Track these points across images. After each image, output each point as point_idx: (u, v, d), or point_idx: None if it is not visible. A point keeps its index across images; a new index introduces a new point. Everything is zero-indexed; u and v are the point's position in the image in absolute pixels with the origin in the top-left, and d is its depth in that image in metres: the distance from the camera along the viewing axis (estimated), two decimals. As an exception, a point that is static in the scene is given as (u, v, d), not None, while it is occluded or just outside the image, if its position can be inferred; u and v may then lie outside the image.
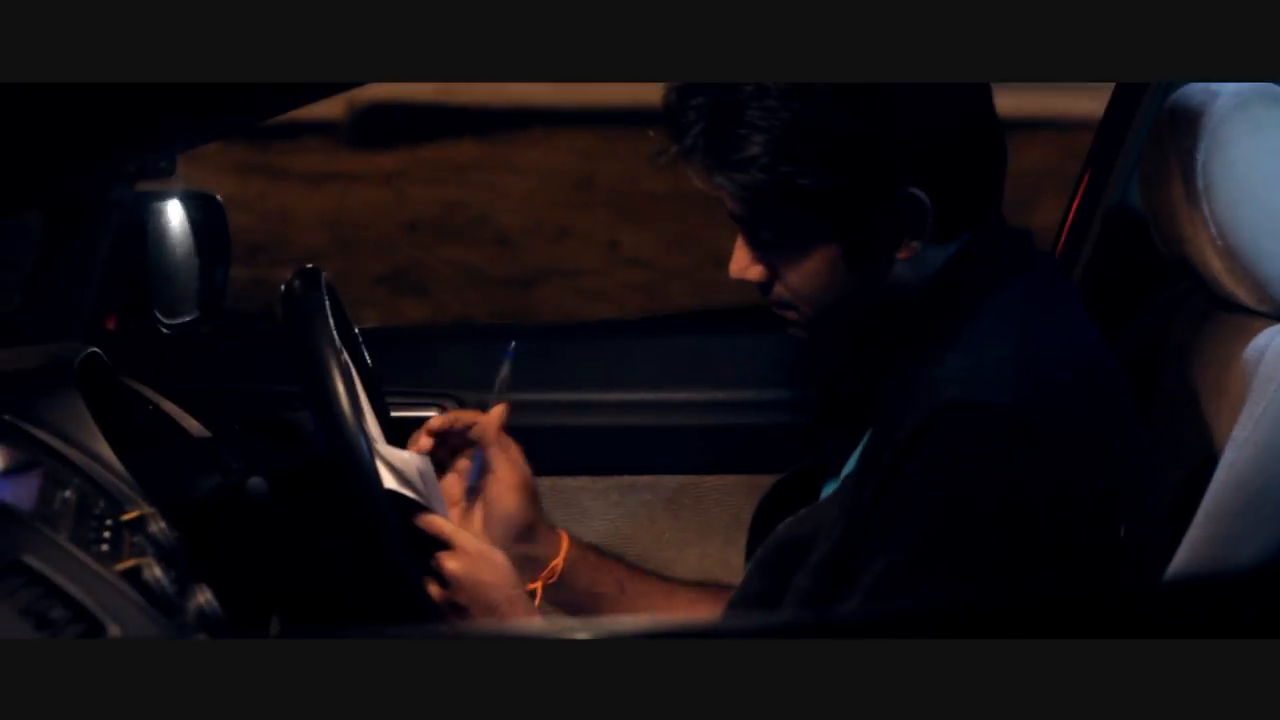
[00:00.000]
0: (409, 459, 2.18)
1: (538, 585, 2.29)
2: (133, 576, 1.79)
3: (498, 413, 2.26)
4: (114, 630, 1.68)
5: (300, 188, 8.73)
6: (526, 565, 2.28)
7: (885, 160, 1.93)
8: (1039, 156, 7.24)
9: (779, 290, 2.04)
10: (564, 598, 2.32)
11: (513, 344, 2.30)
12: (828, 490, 2.15)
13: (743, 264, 2.05)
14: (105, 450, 2.05)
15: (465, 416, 2.29)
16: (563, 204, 8.58)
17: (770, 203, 1.96)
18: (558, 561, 2.29)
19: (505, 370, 2.29)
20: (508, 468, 2.25)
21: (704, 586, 2.37)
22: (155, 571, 1.79)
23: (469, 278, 7.73)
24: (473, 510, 2.28)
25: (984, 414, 1.86)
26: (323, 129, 9.15)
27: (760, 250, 2.03)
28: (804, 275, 2.00)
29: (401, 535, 2.06)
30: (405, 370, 2.88)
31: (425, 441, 2.26)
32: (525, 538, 2.27)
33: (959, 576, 1.84)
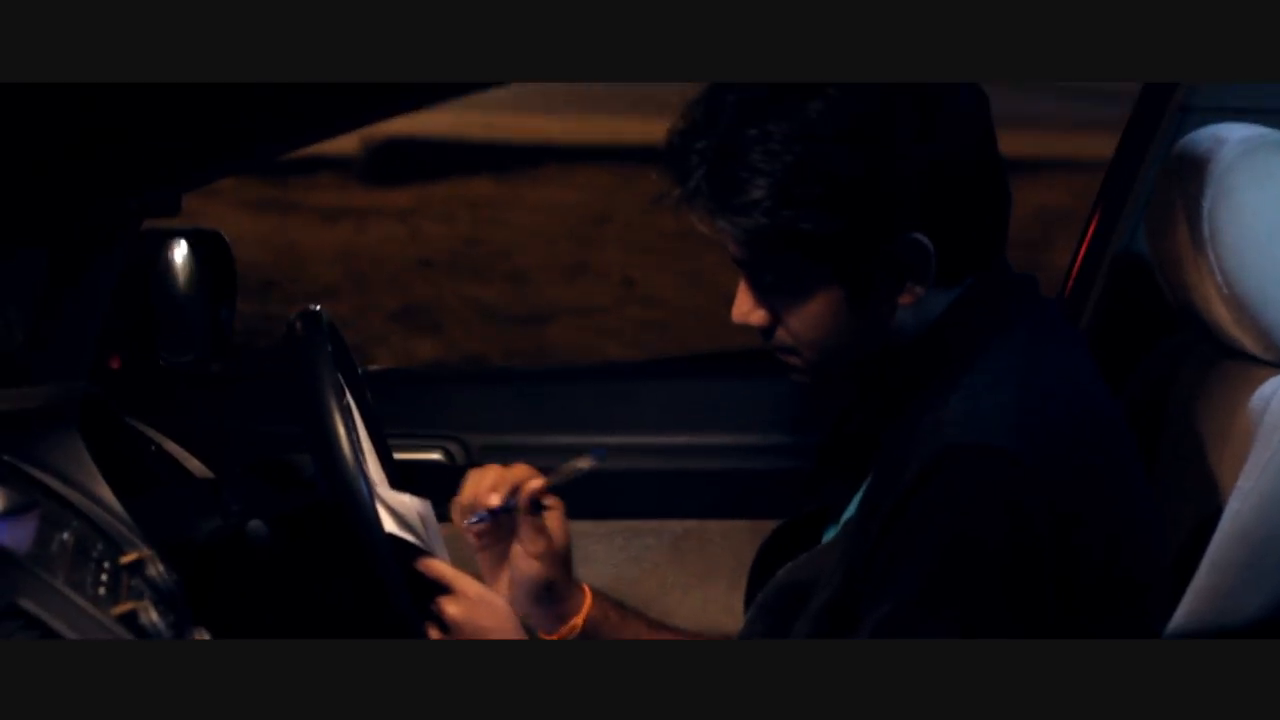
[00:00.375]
0: (410, 503, 2.17)
1: (555, 638, 2.28)
2: (129, 620, 1.78)
3: (533, 487, 2.23)
4: (109, 675, 1.68)
5: (314, 223, 8.72)
6: (546, 620, 2.27)
7: (888, 205, 1.93)
8: (1053, 198, 7.22)
9: (781, 335, 2.03)
10: None
11: (604, 451, 2.27)
12: (828, 535, 2.14)
13: (745, 309, 2.04)
14: (105, 492, 2.04)
15: (519, 475, 2.26)
16: (577, 241, 8.57)
17: (773, 247, 1.96)
18: (577, 620, 2.28)
19: (581, 465, 2.26)
20: (531, 537, 2.23)
21: (722, 641, 2.36)
22: (152, 615, 1.79)
23: (482, 315, 7.71)
24: (500, 567, 2.27)
25: (986, 457, 1.85)
26: (337, 165, 9.16)
27: (762, 294, 2.02)
28: (806, 319, 2.00)
29: (402, 580, 2.05)
30: (411, 412, 2.87)
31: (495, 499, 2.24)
32: (544, 598, 2.25)
33: (963, 620, 1.83)
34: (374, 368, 3.29)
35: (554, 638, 2.27)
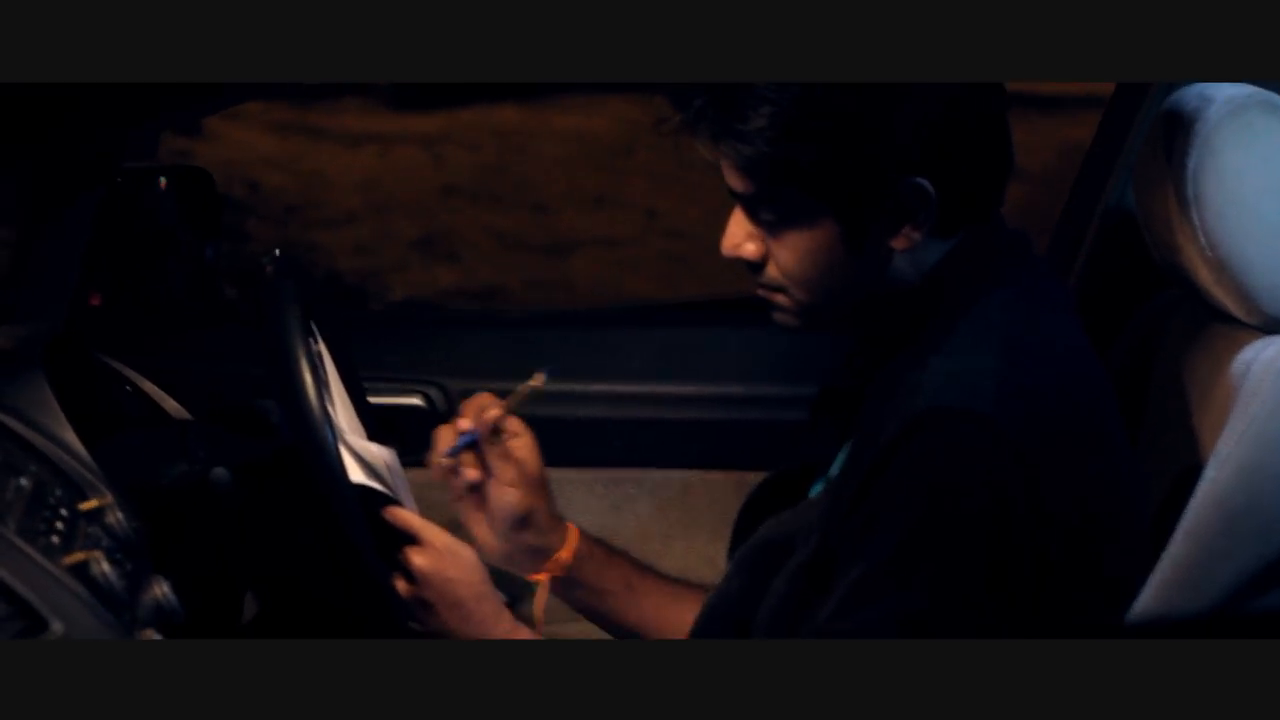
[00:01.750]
0: (377, 451, 2.16)
1: (543, 578, 2.27)
2: (81, 571, 1.77)
3: (490, 415, 2.24)
4: (56, 626, 1.68)
5: (338, 148, 8.68)
6: (531, 557, 2.27)
7: (892, 145, 1.90)
8: (1080, 134, 7.15)
9: (770, 272, 2.01)
10: (571, 594, 2.31)
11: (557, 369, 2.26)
12: (815, 491, 2.13)
13: (737, 239, 2.02)
14: (69, 435, 2.03)
15: (476, 405, 2.26)
16: (602, 171, 8.52)
17: (772, 178, 1.93)
18: (565, 554, 2.28)
19: (533, 384, 2.25)
20: (500, 465, 2.24)
21: (707, 589, 2.35)
22: (104, 566, 1.78)
23: (503, 244, 7.68)
24: (479, 513, 2.26)
25: (964, 421, 1.83)
26: (363, 89, 9.10)
27: (757, 226, 2.00)
28: (799, 255, 1.97)
29: (368, 530, 2.04)
30: (392, 356, 2.86)
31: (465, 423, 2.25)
32: (525, 527, 2.26)
33: (936, 585, 1.82)
34: (358, 312, 3.28)
35: (540, 577, 2.27)
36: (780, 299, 2.03)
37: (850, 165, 1.90)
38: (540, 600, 2.26)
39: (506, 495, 2.23)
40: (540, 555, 2.28)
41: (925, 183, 1.91)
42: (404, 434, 2.75)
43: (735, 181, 1.97)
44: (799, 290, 2.00)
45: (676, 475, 2.85)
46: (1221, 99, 2.06)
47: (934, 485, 1.82)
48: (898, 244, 1.95)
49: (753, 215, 2.00)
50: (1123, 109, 2.66)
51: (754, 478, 2.36)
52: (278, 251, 2.13)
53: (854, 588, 1.84)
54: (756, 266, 2.02)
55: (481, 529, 2.27)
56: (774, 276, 2.01)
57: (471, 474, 2.23)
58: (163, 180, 2.57)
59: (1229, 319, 2.12)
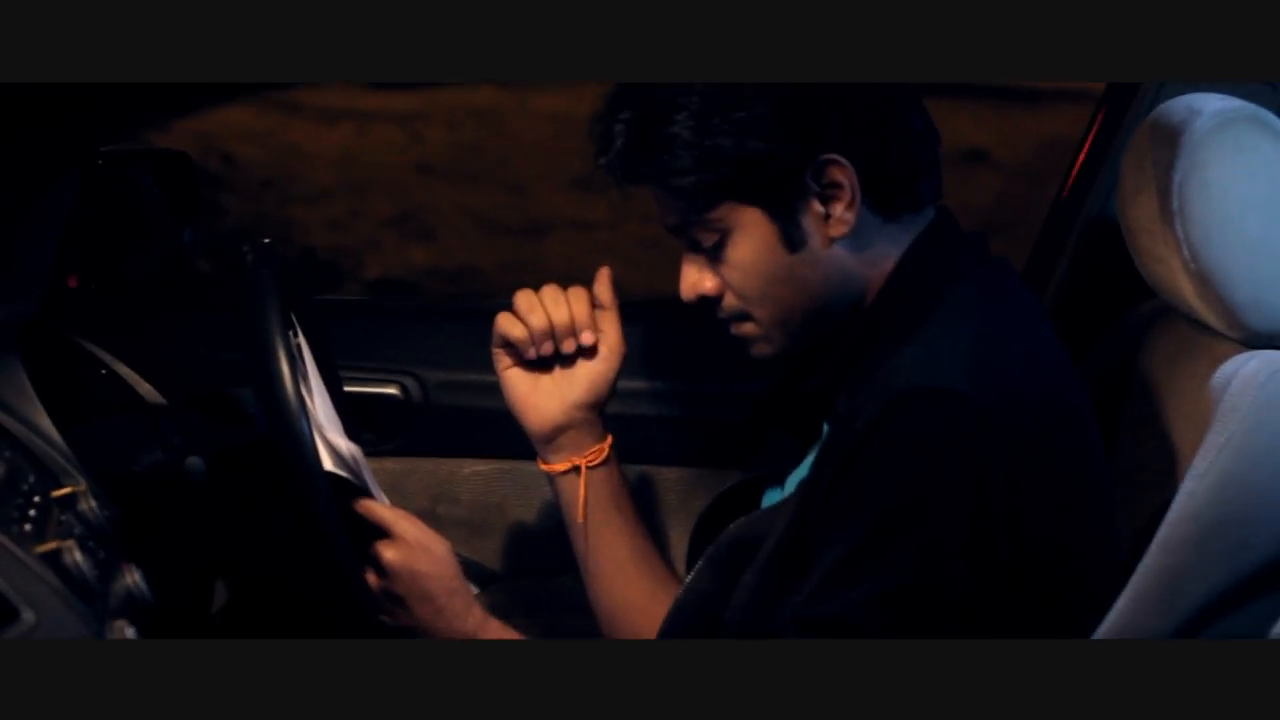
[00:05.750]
0: (344, 446, 2.15)
1: (582, 462, 2.28)
2: (53, 560, 1.77)
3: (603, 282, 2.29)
4: (28, 616, 1.67)
5: (315, 123, 8.64)
6: (577, 439, 2.28)
7: (806, 125, 1.94)
8: (1056, 128, 7.14)
9: (729, 301, 2.04)
10: (598, 491, 2.30)
11: None
12: (769, 498, 2.13)
13: (692, 279, 2.06)
14: (43, 421, 2.02)
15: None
16: (580, 154, 8.49)
17: (702, 198, 1.96)
18: (605, 445, 2.30)
19: None
20: (618, 335, 2.28)
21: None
22: (76, 555, 1.77)
23: (478, 224, 7.66)
24: (531, 384, 2.27)
25: (943, 399, 1.85)
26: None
27: (703, 256, 2.02)
28: (747, 270, 2.00)
29: (341, 523, 2.04)
30: (369, 345, 2.85)
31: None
32: (595, 404, 2.28)
33: (914, 563, 1.82)
34: (334, 298, 3.27)
35: (581, 461, 2.27)
36: (747, 328, 2.06)
37: (767, 150, 1.93)
38: (582, 490, 2.27)
39: (600, 365, 2.27)
40: (585, 441, 2.28)
41: (840, 158, 1.95)
42: (379, 423, 2.76)
43: (670, 215, 2.02)
44: (759, 309, 2.03)
45: (649, 470, 2.85)
46: (1209, 112, 2.06)
47: (913, 462, 1.83)
48: (834, 230, 1.98)
49: (695, 246, 2.03)
50: (1109, 118, 2.65)
51: (725, 475, 2.35)
52: (266, 240, 2.11)
53: (834, 569, 1.85)
54: (715, 301, 2.05)
55: (536, 396, 2.27)
56: (733, 304, 2.05)
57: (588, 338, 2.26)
58: (144, 163, 2.55)
59: (1210, 331, 2.11)
